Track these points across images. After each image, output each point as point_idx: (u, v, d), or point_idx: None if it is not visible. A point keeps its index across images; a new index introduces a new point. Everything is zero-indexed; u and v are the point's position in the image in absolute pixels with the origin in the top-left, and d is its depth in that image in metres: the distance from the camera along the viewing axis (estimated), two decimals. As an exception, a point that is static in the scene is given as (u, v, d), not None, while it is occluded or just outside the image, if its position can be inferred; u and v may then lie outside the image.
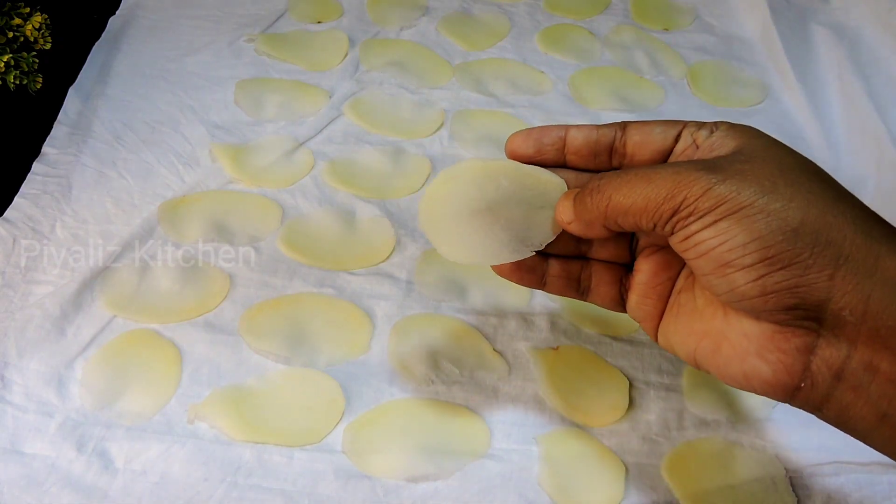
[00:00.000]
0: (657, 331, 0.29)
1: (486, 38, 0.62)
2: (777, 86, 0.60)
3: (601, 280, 0.31)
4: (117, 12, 0.60)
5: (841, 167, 0.53)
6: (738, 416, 0.39)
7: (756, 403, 0.40)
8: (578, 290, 0.31)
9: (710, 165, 0.24)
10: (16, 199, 0.46)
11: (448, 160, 0.51)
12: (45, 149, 0.49)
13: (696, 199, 0.23)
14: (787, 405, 0.38)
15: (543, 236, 0.29)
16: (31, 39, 0.50)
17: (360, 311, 0.42)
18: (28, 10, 0.50)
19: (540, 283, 0.31)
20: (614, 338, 0.42)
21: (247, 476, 0.36)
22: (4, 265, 0.43)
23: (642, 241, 0.30)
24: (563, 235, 0.29)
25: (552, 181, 0.29)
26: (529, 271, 0.30)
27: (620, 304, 0.31)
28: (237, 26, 0.60)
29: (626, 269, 0.31)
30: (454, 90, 0.56)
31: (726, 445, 0.38)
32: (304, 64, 0.57)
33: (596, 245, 0.31)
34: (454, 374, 0.40)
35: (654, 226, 0.25)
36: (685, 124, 0.28)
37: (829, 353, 0.23)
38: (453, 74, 0.58)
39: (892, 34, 0.61)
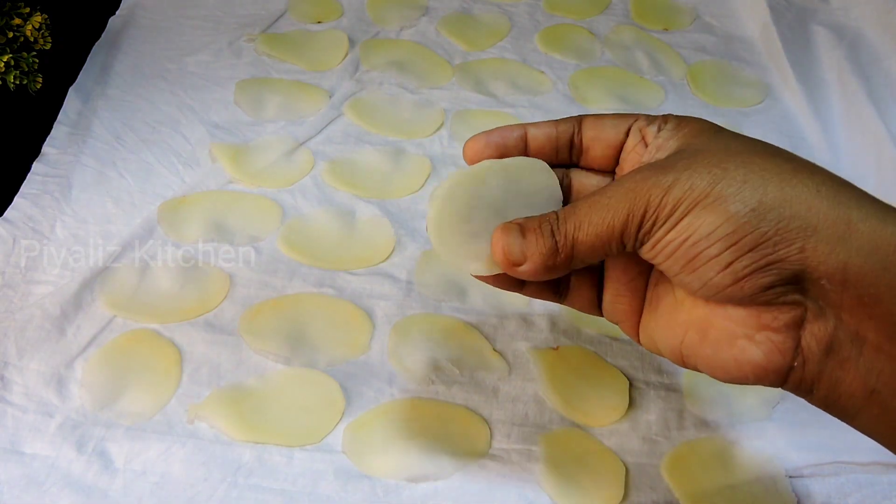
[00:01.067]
0: (638, 330, 0.29)
1: (486, 38, 0.62)
2: (777, 86, 0.60)
3: (581, 282, 0.30)
4: (117, 12, 0.60)
5: (841, 167, 0.53)
6: (738, 416, 0.39)
7: (756, 403, 0.39)
8: (557, 292, 0.30)
9: (659, 169, 0.24)
10: (16, 199, 0.46)
11: (448, 160, 0.51)
12: (45, 149, 0.49)
13: (657, 208, 0.23)
14: (786, 406, 0.38)
15: None
16: (31, 39, 0.50)
17: (360, 311, 0.42)
18: (28, 10, 0.50)
19: (518, 286, 0.30)
20: (614, 338, 0.42)
21: (247, 476, 0.36)
22: (4, 265, 0.43)
23: None
24: None
25: (546, 183, 0.28)
26: (507, 275, 0.28)
27: (599, 308, 0.30)
28: (237, 26, 0.60)
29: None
30: (454, 90, 0.56)
31: (726, 445, 0.38)
32: (304, 64, 0.57)
33: None
34: (454, 374, 0.40)
35: (624, 246, 0.25)
36: (635, 119, 0.28)
37: (817, 327, 0.23)
38: (453, 74, 0.58)
39: (892, 34, 0.61)
